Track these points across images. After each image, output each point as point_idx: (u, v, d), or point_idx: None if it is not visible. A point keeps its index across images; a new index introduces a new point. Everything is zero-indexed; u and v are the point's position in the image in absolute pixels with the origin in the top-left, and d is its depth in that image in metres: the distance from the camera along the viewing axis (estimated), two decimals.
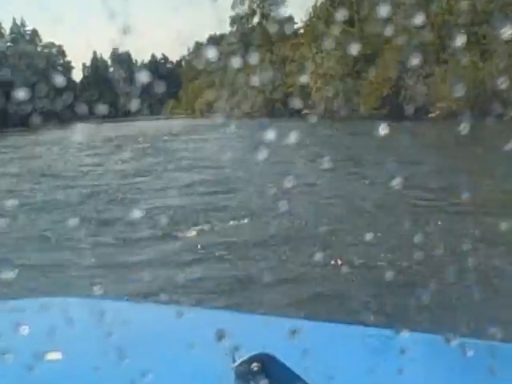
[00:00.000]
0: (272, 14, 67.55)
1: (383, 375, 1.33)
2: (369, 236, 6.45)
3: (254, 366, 1.17)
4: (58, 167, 18.17)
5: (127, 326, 1.50)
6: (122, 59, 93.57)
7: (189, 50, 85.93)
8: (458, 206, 8.22)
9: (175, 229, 8.08)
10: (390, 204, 8.97)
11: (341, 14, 32.50)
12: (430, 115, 31.47)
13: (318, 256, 6.00)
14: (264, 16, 68.14)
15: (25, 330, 1.42)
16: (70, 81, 78.99)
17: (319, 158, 15.06)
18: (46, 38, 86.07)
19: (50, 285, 5.90)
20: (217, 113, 61.84)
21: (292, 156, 14.62)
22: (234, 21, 70.39)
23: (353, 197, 10.28)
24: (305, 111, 41.62)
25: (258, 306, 4.80)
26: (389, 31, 23.54)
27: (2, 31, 77.93)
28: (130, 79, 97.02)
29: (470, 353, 1.37)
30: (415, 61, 18.01)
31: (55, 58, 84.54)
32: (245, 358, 1.19)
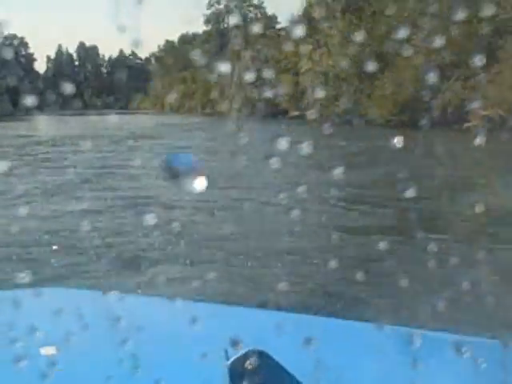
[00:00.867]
0: (251, 13, 66.43)
1: (387, 373, 1.38)
2: None
3: (248, 362, 1.19)
4: None
5: (130, 319, 1.45)
6: (89, 53, 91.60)
7: (159, 47, 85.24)
8: None
9: None
10: None
11: (346, 4, 29.01)
12: (467, 125, 23.11)
13: None
14: (242, 15, 66.98)
15: (31, 320, 1.44)
16: (32, 72, 77.27)
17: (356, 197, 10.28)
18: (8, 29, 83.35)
19: None
20: (189, 110, 59.51)
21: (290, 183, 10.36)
22: (208, 20, 69.13)
23: None
24: (293, 113, 36.82)
25: None
26: (409, 24, 19.00)
27: None
28: (96, 73, 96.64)
29: (481, 352, 1.41)
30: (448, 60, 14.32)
31: (17, 50, 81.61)
32: (238, 354, 1.21)
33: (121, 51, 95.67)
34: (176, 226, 7.15)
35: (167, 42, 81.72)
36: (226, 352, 1.24)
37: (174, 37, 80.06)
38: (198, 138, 25.84)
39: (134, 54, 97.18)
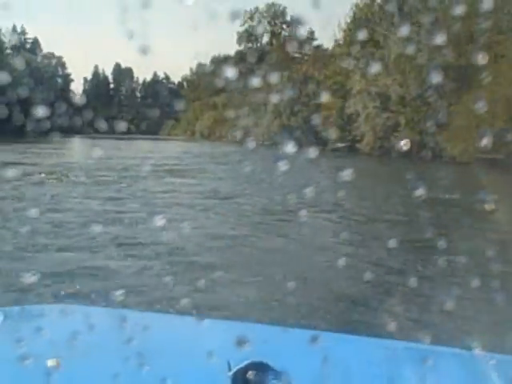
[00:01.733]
0: (285, 31, 66.09)
1: None
2: None
3: (250, 374, 1.22)
4: None
5: (144, 335, 1.51)
6: (124, 75, 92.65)
7: (191, 70, 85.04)
8: None
9: None
10: None
11: (405, 13, 23.27)
12: None
13: None
14: (274, 34, 66.80)
15: (44, 335, 1.49)
16: (68, 93, 77.65)
17: None
18: (46, 48, 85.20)
19: None
20: (219, 137, 57.96)
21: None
22: (241, 38, 68.86)
23: None
24: (337, 144, 32.03)
25: None
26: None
27: (2, 38, 77.53)
28: (130, 96, 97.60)
29: (490, 366, 1.40)
30: None
31: (54, 69, 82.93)
32: (240, 365, 1.24)
33: (154, 74, 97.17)
34: None
35: (199, 65, 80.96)
36: (229, 363, 1.27)
37: (207, 60, 78.89)
38: (242, 177, 19.65)
39: (167, 77, 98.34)
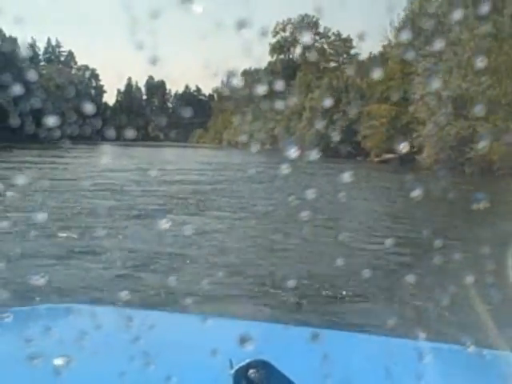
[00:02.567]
0: (317, 42, 65.66)
1: None
2: None
3: (251, 372, 1.22)
4: None
5: (149, 334, 1.52)
6: (157, 87, 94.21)
7: (223, 82, 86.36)
8: None
9: None
10: None
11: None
12: None
13: None
14: (307, 45, 66.77)
15: (53, 335, 1.51)
16: (101, 105, 79.35)
17: None
18: (80, 60, 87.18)
19: None
20: (247, 146, 57.05)
21: None
22: (274, 49, 68.82)
23: None
24: (385, 155, 27.18)
25: None
26: None
27: (37, 50, 79.97)
28: (162, 107, 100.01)
29: (487, 362, 1.43)
30: None
31: (88, 81, 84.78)
32: (242, 364, 1.24)
33: (186, 86, 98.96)
34: None
35: (230, 76, 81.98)
36: (231, 361, 1.27)
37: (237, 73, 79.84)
38: (285, 206, 12.36)
39: (198, 90, 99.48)
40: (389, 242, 8.58)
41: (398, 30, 35.07)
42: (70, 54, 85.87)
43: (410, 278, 5.29)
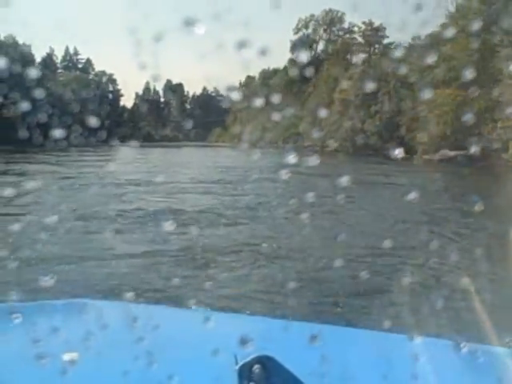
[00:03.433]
0: (340, 38, 63.95)
1: (395, 380, 1.38)
2: None
3: (256, 367, 1.23)
4: None
5: (153, 329, 1.51)
6: (175, 91, 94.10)
7: (240, 83, 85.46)
8: None
9: None
10: None
11: None
12: None
13: None
14: (330, 41, 65.12)
15: (58, 331, 1.52)
16: (118, 107, 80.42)
17: None
18: (98, 66, 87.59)
19: None
20: (267, 145, 54.31)
21: None
22: (295, 46, 67.40)
23: None
24: (446, 152, 21.90)
25: None
26: None
27: (54, 59, 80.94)
28: (180, 109, 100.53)
29: (482, 358, 1.45)
30: None
31: (105, 86, 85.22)
32: (247, 359, 1.25)
33: (204, 88, 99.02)
34: None
35: (248, 77, 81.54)
36: (236, 357, 1.27)
37: (255, 72, 79.19)
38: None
39: (216, 90, 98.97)
40: None
41: None
42: (88, 61, 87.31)
43: None
